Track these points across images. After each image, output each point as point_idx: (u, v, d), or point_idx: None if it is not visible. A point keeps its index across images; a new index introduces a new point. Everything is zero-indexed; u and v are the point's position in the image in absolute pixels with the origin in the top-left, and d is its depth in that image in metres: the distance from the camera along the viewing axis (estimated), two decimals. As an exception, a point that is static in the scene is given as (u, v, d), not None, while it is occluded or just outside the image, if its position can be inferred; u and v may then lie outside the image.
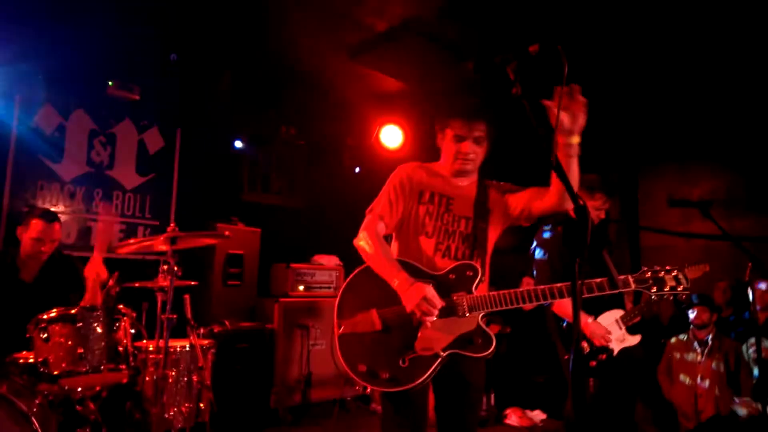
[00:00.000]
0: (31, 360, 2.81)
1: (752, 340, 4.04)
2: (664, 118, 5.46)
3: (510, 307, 2.06)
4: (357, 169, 6.58)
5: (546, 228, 3.36)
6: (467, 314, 2.06)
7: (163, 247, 3.18)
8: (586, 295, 1.97)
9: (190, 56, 4.86)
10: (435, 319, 2.02)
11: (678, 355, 4.32)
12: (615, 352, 3.25)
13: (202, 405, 3.60)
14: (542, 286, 2.05)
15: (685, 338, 4.33)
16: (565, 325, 3.30)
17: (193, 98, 5.29)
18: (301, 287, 5.28)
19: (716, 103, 5.01)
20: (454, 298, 2.07)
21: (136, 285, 3.48)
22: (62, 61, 4.42)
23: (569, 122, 1.84)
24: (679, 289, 2.02)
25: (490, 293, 2.08)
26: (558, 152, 1.89)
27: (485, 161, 2.32)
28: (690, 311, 4.27)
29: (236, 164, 5.94)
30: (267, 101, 5.73)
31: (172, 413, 3.45)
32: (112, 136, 5.16)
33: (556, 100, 1.78)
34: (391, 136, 5.99)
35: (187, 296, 3.58)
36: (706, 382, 4.11)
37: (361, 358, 2.05)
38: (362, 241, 2.20)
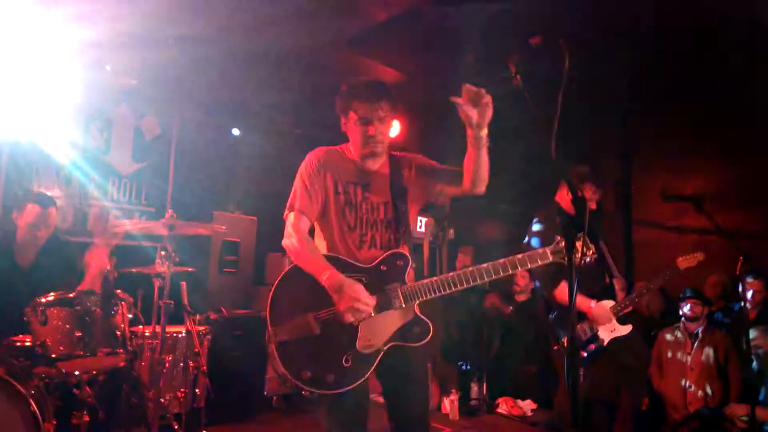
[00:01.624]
0: (28, 343, 2.83)
1: (754, 334, 4.07)
2: (659, 112, 5.49)
3: (445, 293, 2.06)
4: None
5: (536, 220, 3.41)
6: (404, 305, 2.06)
7: (161, 233, 3.19)
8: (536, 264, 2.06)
9: (192, 42, 4.83)
10: (372, 315, 2.02)
11: (668, 348, 4.38)
12: (605, 342, 3.30)
13: (198, 391, 3.63)
14: (472, 268, 2.06)
15: (676, 331, 4.38)
16: (554, 315, 3.35)
17: (191, 86, 5.26)
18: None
19: (710, 97, 5.04)
20: (389, 290, 2.07)
21: (134, 271, 3.49)
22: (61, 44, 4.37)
23: (477, 117, 1.94)
24: (588, 254, 1.98)
25: (423, 280, 2.08)
26: (469, 144, 2.01)
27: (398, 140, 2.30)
28: (681, 304, 4.32)
29: (232, 153, 5.94)
30: (264, 89, 5.71)
31: (168, 398, 3.48)
32: (109, 121, 5.14)
33: (464, 97, 1.90)
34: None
35: (183, 283, 3.59)
36: (696, 375, 4.18)
37: (304, 364, 2.01)
38: (287, 240, 2.15)
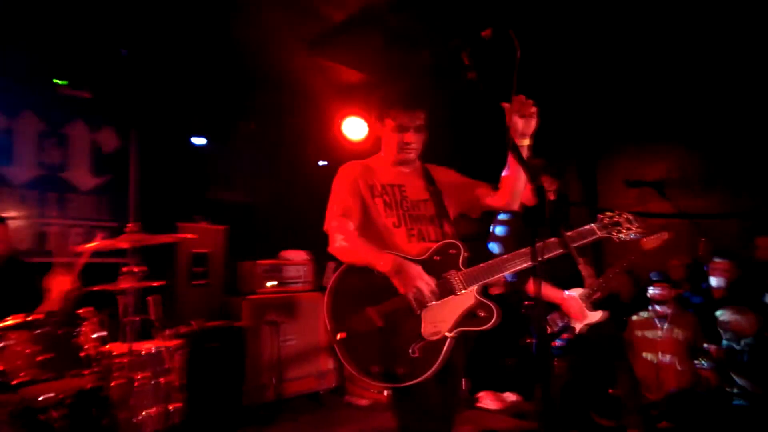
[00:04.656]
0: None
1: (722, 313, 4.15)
2: (620, 100, 5.59)
3: (503, 272, 2.11)
4: (321, 163, 6.54)
5: (502, 213, 3.43)
6: (464, 290, 2.08)
7: (124, 247, 3.11)
8: (552, 255, 2.10)
9: (143, 52, 4.73)
10: (434, 302, 2.03)
11: (639, 332, 4.45)
12: (577, 330, 3.33)
13: (171, 407, 3.54)
14: (525, 249, 2.08)
15: (646, 315, 4.46)
16: (528, 308, 3.37)
17: (148, 95, 5.15)
18: (270, 283, 5.23)
19: (670, 82, 5.16)
20: (446, 277, 2.09)
21: (97, 288, 3.39)
22: (7, 60, 4.24)
23: (523, 126, 2.01)
24: (633, 227, 2.17)
25: (479, 264, 2.11)
26: (510, 159, 2.09)
27: (428, 148, 2.37)
28: (649, 288, 4.41)
29: (196, 162, 5.83)
30: (225, 96, 5.63)
31: (141, 417, 3.38)
32: (64, 136, 4.98)
33: (513, 105, 1.95)
34: (355, 128, 5.97)
35: (150, 298, 3.51)
36: (668, 356, 4.26)
37: (372, 359, 1.99)
38: (337, 243, 2.15)
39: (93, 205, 5.07)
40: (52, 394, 2.74)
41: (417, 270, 2.01)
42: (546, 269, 1.87)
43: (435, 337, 2.01)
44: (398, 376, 1.97)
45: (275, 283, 5.24)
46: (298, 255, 5.60)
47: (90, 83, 4.75)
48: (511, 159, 2.10)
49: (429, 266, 2.09)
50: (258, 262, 5.20)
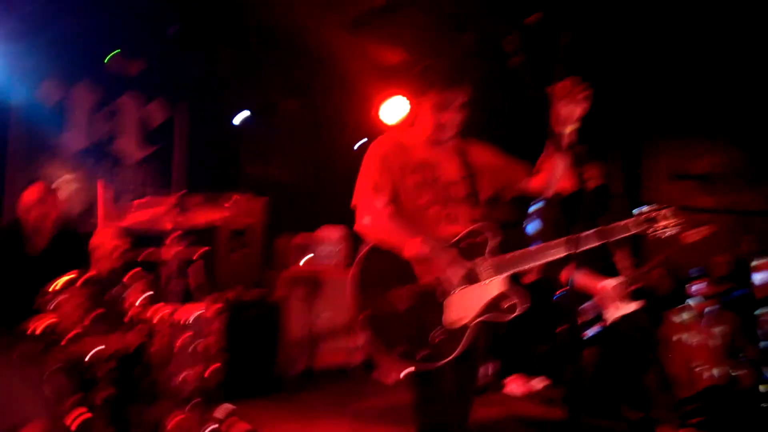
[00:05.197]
0: (41, 328, 2.88)
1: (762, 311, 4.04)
2: (667, 94, 5.42)
3: (533, 264, 2.05)
4: (357, 144, 6.56)
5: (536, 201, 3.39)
6: (491, 279, 2.01)
7: (168, 219, 3.23)
8: (587, 246, 2.06)
9: (192, 29, 4.83)
10: (460, 288, 1.97)
11: (676, 329, 4.37)
12: (609, 321, 3.30)
13: (209, 372, 3.68)
14: (560, 239, 2.02)
15: (684, 312, 4.38)
16: (557, 296, 3.35)
17: (195, 72, 5.27)
18: (305, 258, 5.35)
19: (718, 75, 4.97)
20: (475, 264, 2.02)
21: (143, 255, 3.54)
22: (64, 34, 4.40)
23: (567, 112, 1.92)
24: (671, 224, 2.11)
25: (508, 254, 2.04)
26: (551, 143, 2.00)
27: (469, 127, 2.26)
28: (690, 284, 4.31)
29: (239, 136, 5.96)
30: (269, 74, 5.70)
31: (180, 379, 3.54)
32: (115, 109, 5.17)
33: (558, 89, 1.87)
34: (393, 111, 5.96)
35: (194, 265, 3.64)
36: (704, 354, 4.18)
37: (393, 341, 1.96)
38: (364, 221, 2.10)
39: (140, 175, 5.26)
40: (98, 352, 2.90)
41: (443, 258, 1.95)
42: (581, 258, 1.85)
43: (457, 325, 1.97)
44: (418, 359, 1.94)
45: (311, 258, 5.35)
46: (334, 232, 5.68)
47: (142, 57, 4.89)
48: (551, 145, 2.02)
49: (457, 252, 2.03)
50: (295, 237, 5.32)
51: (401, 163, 2.15)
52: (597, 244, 2.07)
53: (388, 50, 5.45)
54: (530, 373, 5.16)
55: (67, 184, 4.71)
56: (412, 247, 1.95)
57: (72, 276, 2.97)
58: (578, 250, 1.93)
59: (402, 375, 1.99)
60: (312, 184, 6.41)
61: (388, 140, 2.22)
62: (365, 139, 6.50)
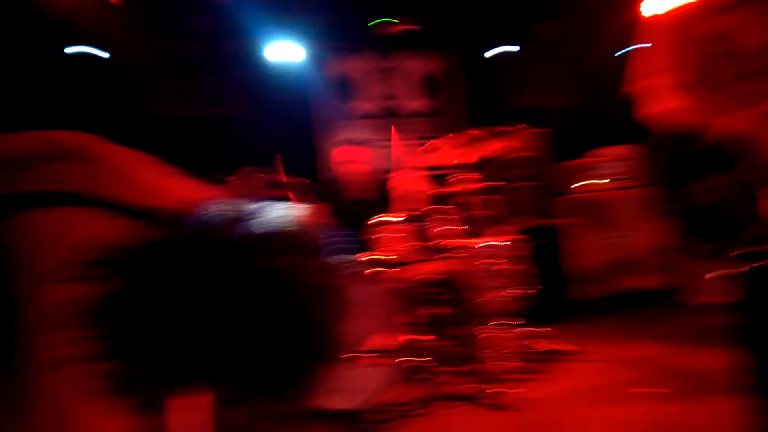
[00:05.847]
0: (373, 255, 3.50)
1: None
2: None
3: None
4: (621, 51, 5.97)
5: None
6: None
7: (458, 155, 3.53)
8: None
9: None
10: None
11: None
12: None
13: (522, 292, 3.95)
14: None
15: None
16: None
17: (465, 17, 5.47)
18: (588, 182, 5.20)
19: None
20: None
21: (448, 189, 3.95)
22: (349, 8, 5.02)
23: None
24: None
25: None
26: None
27: None
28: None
29: (507, 71, 6.02)
30: (535, 8, 5.61)
31: (485, 300, 3.89)
32: (397, 68, 5.71)
33: None
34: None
35: (492, 197, 3.93)
36: None
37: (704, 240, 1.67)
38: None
39: (425, 126, 5.76)
40: (425, 274, 3.40)
41: None
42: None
43: None
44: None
45: (595, 181, 5.18)
46: (615, 151, 5.36)
47: (417, 17, 5.28)
48: None
49: None
50: (578, 160, 5.20)
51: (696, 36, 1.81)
52: None
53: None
54: None
55: (364, 143, 5.47)
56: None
57: (390, 215, 3.51)
58: None
59: (709, 277, 1.72)
60: (583, 107, 6.12)
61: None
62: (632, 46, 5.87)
